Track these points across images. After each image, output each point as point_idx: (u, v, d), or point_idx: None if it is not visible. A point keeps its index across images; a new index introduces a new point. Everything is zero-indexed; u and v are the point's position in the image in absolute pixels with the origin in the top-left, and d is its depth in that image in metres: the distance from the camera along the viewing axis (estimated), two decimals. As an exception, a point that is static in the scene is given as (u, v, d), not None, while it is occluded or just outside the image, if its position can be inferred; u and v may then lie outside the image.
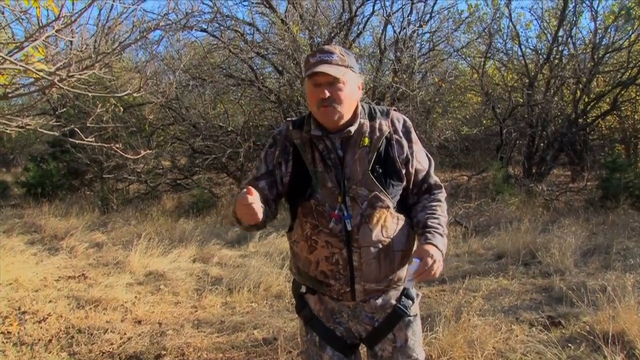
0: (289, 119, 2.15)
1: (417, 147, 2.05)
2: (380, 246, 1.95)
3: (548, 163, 10.78)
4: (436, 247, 1.87)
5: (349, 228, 1.92)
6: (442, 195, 2.08)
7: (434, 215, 1.98)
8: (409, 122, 2.07)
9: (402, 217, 2.01)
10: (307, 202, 1.96)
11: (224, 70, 10.58)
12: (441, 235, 1.93)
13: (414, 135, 2.05)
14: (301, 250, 2.03)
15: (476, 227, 7.44)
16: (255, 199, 1.74)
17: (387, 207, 1.96)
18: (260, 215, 1.77)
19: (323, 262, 1.98)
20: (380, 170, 1.95)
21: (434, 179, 2.09)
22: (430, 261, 1.82)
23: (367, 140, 1.97)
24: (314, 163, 1.97)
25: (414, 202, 2.06)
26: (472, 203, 8.63)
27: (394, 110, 2.09)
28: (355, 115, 2.00)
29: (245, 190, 1.75)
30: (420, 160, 2.06)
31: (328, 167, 1.95)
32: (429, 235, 1.91)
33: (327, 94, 1.89)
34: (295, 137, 2.02)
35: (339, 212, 1.92)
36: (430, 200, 2.04)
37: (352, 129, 1.96)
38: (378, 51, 10.18)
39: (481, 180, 11.03)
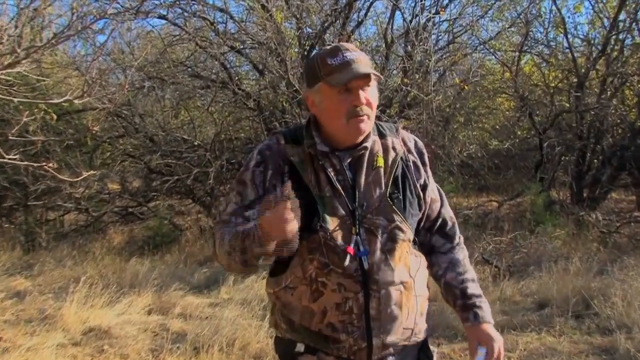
0: (275, 130, 2.16)
1: (430, 172, 2.20)
2: (402, 289, 2.02)
3: (604, 185, 10.68)
4: (491, 324, 2.09)
5: (366, 266, 1.97)
6: (460, 236, 2.26)
7: (468, 276, 2.16)
8: (421, 143, 2.22)
9: (419, 254, 2.13)
10: (314, 235, 1.97)
11: (189, 69, 10.54)
12: (486, 303, 2.13)
13: (427, 158, 2.19)
14: (299, 299, 2.01)
15: (510, 267, 7.41)
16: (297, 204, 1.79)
17: (408, 240, 2.06)
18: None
19: (332, 311, 1.98)
20: (400, 197, 2.02)
21: (449, 212, 2.25)
22: (497, 347, 2.03)
23: (381, 161, 2.05)
24: (319, 186, 2.00)
25: (425, 241, 2.20)
26: (505, 236, 8.57)
27: (402, 128, 2.20)
28: None
29: (280, 190, 1.80)
30: (433, 188, 2.21)
31: (336, 191, 1.99)
32: (478, 311, 2.10)
33: (364, 99, 1.98)
34: (291, 153, 2.04)
35: (355, 247, 1.95)
36: (455, 250, 2.21)
37: (368, 145, 2.03)
38: (384, 45, 10.18)
39: (516, 207, 11.02)
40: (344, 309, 1.96)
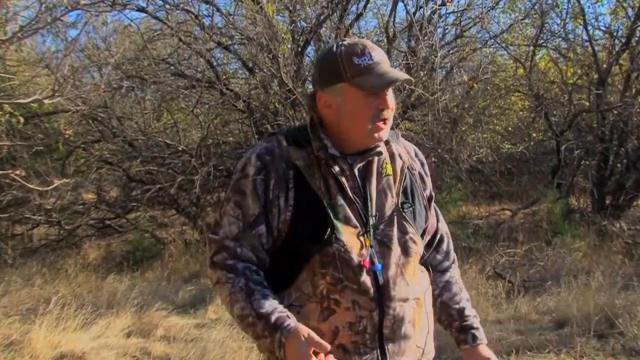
0: (273, 131, 2.16)
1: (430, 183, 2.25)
2: (415, 305, 2.04)
3: (629, 191, 10.66)
4: (485, 343, 2.19)
5: (382, 282, 1.97)
6: (454, 255, 2.33)
7: (464, 295, 2.25)
8: (421, 153, 2.28)
9: (424, 268, 2.16)
10: (327, 248, 1.94)
11: (172, 67, 10.57)
12: (479, 322, 2.23)
13: (427, 168, 2.24)
14: (306, 318, 1.96)
15: (525, 282, 7.45)
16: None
17: (419, 254, 2.09)
18: None
19: (345, 331, 1.95)
20: (411, 208, 2.08)
21: (445, 227, 2.31)
22: None
23: (389, 168, 2.08)
24: (329, 193, 1.99)
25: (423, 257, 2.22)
26: (519, 248, 8.64)
27: (404, 131, 2.19)
28: None
29: (311, 337, 1.80)
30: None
31: (349, 198, 2.00)
32: (476, 333, 2.19)
33: (390, 102, 2.00)
34: (295, 156, 2.01)
35: (369, 261, 1.97)
36: (451, 269, 2.28)
37: (382, 150, 2.06)
38: (385, 39, 10.19)
39: (531, 216, 11.02)
40: (358, 329, 1.94)
